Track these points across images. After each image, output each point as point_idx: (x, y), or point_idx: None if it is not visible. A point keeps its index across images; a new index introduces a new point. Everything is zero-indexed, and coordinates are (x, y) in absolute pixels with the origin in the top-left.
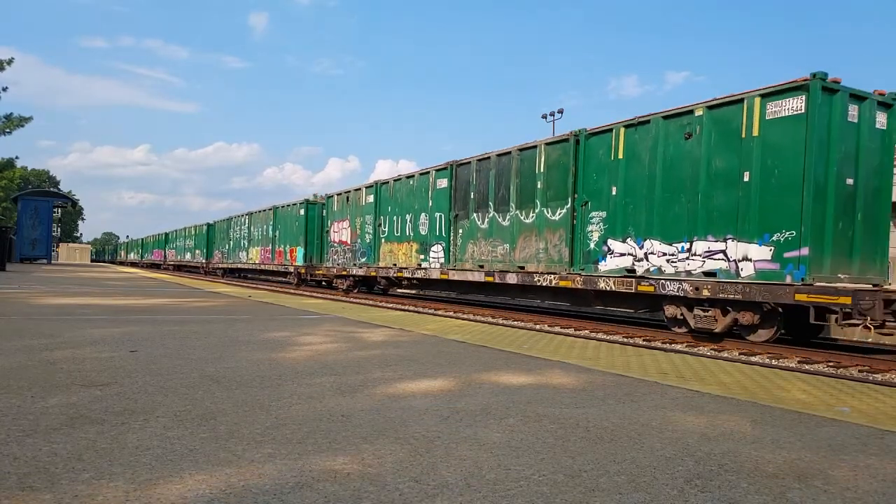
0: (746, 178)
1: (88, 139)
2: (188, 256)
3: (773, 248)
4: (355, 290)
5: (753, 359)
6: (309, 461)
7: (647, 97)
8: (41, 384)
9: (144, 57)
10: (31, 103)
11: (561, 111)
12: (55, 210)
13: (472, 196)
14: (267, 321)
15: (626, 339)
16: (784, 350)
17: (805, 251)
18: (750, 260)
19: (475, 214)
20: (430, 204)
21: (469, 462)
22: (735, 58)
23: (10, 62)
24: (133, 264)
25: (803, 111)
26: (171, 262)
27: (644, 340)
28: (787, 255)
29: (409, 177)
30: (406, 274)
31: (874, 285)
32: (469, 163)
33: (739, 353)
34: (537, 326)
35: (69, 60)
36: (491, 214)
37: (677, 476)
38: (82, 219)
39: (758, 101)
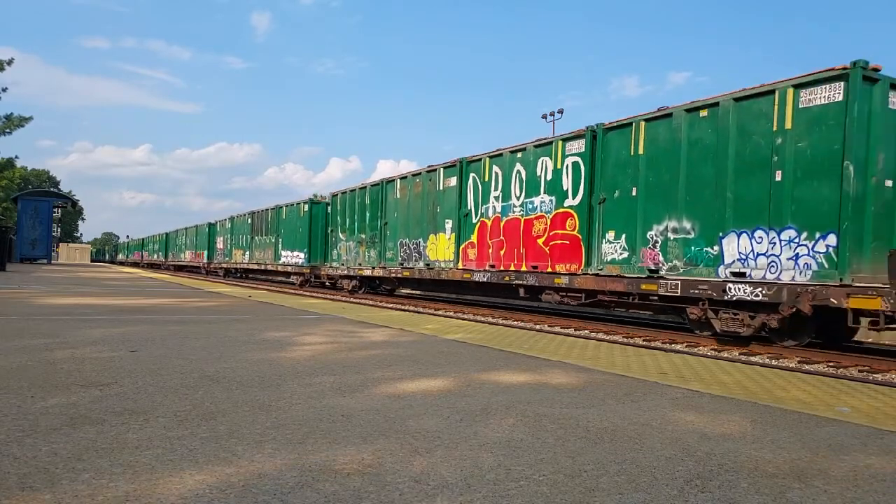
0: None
1: (89, 139)
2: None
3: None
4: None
5: (753, 359)
6: (309, 461)
7: (648, 97)
8: (41, 384)
9: (146, 57)
10: (33, 103)
11: (561, 111)
12: (55, 210)
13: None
14: (267, 321)
15: (626, 340)
16: (784, 350)
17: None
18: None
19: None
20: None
21: (469, 462)
22: (736, 58)
23: (10, 62)
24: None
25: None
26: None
27: (644, 340)
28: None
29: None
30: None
31: None
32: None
33: (739, 353)
34: (537, 326)
35: (71, 60)
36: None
37: (677, 476)
38: (82, 219)
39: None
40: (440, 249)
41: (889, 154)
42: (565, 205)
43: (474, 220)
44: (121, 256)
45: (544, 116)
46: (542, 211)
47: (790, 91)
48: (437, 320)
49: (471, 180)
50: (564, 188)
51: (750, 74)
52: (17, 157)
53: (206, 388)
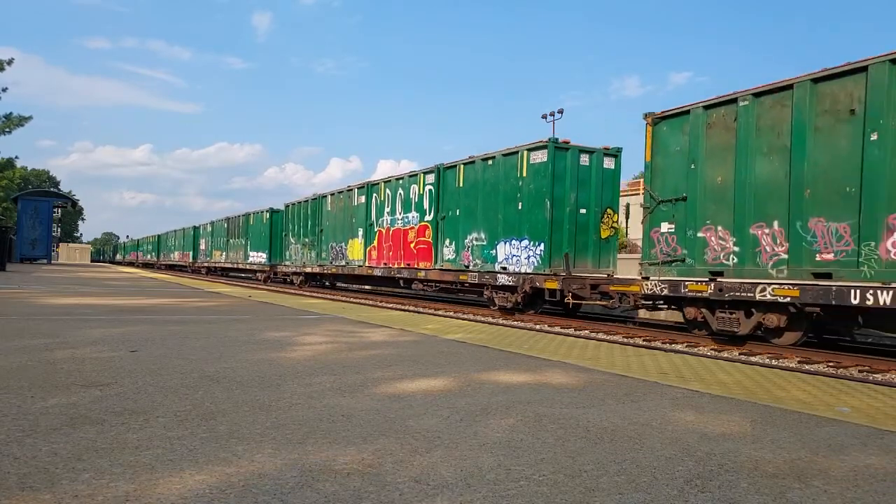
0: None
1: (90, 139)
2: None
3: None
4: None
5: (753, 359)
6: (309, 461)
7: (649, 97)
8: (41, 384)
9: (147, 58)
10: (34, 103)
11: (561, 111)
12: (55, 210)
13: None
14: (267, 321)
15: (626, 340)
16: (784, 350)
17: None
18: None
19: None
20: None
21: (469, 462)
22: (737, 58)
23: (10, 62)
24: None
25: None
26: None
27: (644, 340)
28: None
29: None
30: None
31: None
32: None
33: (739, 353)
34: (537, 326)
35: (72, 61)
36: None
37: (677, 476)
38: (82, 219)
39: (525, 153)
40: (355, 251)
41: (581, 193)
42: (425, 219)
43: (375, 229)
44: (118, 256)
45: (544, 116)
46: (412, 224)
47: (526, 153)
48: (437, 320)
49: (373, 199)
50: (424, 207)
51: (751, 74)
52: (16, 157)
53: (207, 388)
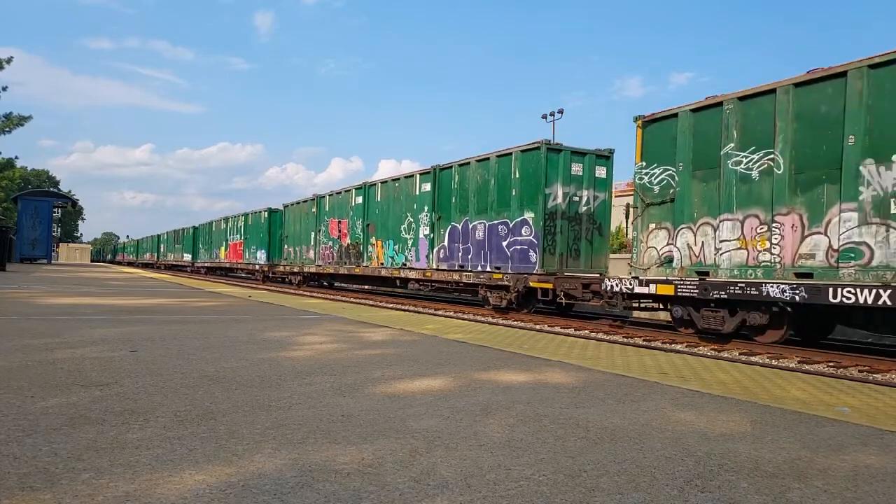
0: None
1: (91, 139)
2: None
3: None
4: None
5: (753, 359)
6: (309, 461)
7: (650, 98)
8: (41, 384)
9: (150, 58)
10: (36, 104)
11: (561, 111)
12: (55, 210)
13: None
14: (267, 321)
15: (626, 340)
16: (784, 350)
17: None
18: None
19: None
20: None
21: (469, 462)
22: (738, 58)
23: (9, 61)
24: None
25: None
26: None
27: (644, 340)
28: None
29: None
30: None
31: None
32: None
33: (739, 353)
34: (537, 327)
35: (75, 61)
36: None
37: (677, 476)
38: (82, 219)
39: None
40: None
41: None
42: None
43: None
44: (121, 256)
45: (544, 117)
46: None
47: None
48: (438, 320)
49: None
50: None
51: (751, 74)
52: (17, 157)
53: (207, 388)
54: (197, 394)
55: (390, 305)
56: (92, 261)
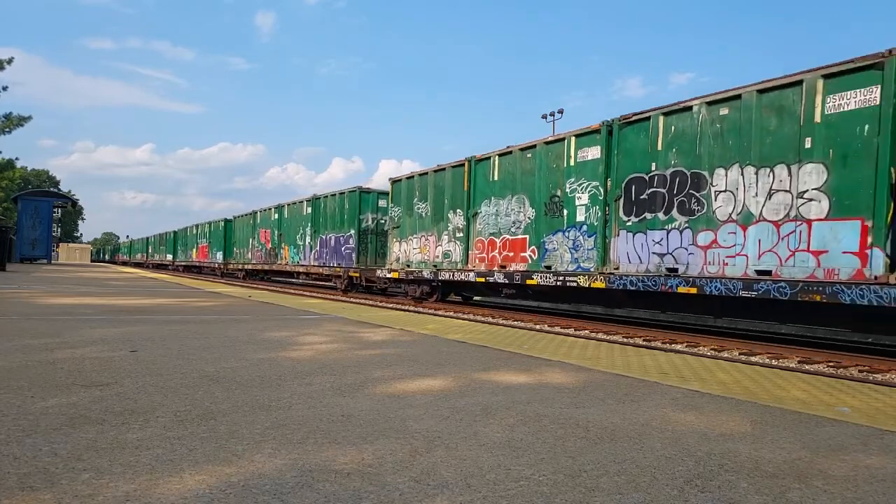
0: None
1: (91, 139)
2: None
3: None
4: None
5: (753, 359)
6: (309, 461)
7: (651, 98)
8: (41, 384)
9: (150, 58)
10: (36, 104)
11: (561, 111)
12: (55, 210)
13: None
14: (267, 321)
15: (626, 339)
16: (784, 350)
17: None
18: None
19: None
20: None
21: (469, 462)
22: (738, 58)
23: (9, 61)
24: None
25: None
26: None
27: (644, 340)
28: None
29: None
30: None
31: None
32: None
33: (739, 353)
34: (537, 326)
35: (75, 61)
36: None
37: (677, 476)
38: (82, 219)
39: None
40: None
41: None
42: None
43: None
44: (115, 256)
45: (544, 116)
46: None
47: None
48: (438, 321)
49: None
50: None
51: (751, 75)
52: (17, 158)
53: (207, 388)
54: (197, 394)
55: (390, 306)
56: (92, 261)
